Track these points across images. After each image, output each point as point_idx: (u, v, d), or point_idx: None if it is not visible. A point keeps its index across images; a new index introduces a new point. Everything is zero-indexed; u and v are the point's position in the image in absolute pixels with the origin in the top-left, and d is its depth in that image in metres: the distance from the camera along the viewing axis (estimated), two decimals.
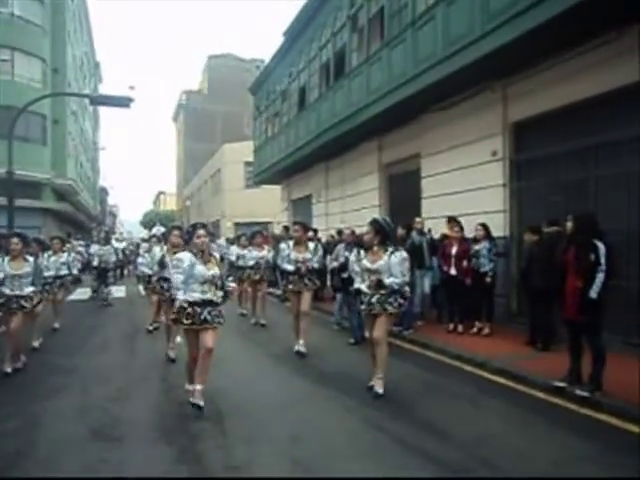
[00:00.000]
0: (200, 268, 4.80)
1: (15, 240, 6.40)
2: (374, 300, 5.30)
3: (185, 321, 4.78)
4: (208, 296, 4.82)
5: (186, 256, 4.82)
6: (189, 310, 4.77)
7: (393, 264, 5.20)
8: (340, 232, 11.03)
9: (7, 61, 23.47)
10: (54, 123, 26.53)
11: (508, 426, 4.46)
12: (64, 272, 9.40)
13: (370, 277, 5.31)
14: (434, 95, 9.54)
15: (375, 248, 5.33)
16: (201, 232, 4.85)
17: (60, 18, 27.73)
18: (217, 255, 5.16)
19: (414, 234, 8.70)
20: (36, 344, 7.69)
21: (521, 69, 8.12)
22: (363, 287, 5.38)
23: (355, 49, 12.33)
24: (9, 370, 6.15)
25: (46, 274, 8.06)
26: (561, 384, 5.10)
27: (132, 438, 4.25)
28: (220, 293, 4.92)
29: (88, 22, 41.70)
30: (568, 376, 5.15)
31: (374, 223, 5.42)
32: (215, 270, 4.90)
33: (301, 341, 7.20)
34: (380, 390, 5.24)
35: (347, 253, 8.15)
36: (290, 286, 7.30)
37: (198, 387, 4.78)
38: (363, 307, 5.42)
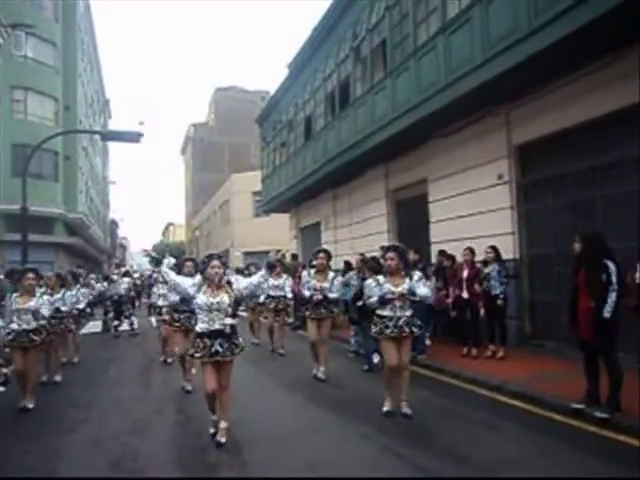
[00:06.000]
0: (203, 297, 4.80)
1: (31, 275, 6.49)
2: (402, 323, 5.38)
3: (196, 354, 4.79)
4: (216, 326, 4.75)
5: (189, 280, 5.01)
6: (199, 342, 4.79)
7: (414, 282, 5.44)
8: (348, 263, 11.03)
9: (21, 101, 24.18)
10: (65, 159, 27.01)
11: (526, 450, 4.41)
12: (80, 306, 9.43)
13: (394, 301, 5.39)
14: (438, 121, 9.71)
15: (396, 273, 5.48)
16: (215, 263, 4.88)
17: (71, 59, 28.59)
18: (232, 283, 5.08)
19: None
20: (58, 378, 7.79)
21: (523, 93, 8.27)
22: (388, 311, 5.42)
23: (359, 79, 12.59)
24: (31, 406, 6.15)
25: (63, 308, 8.16)
26: (579, 406, 5.06)
27: (151, 470, 4.26)
28: (229, 321, 4.79)
29: (98, 61, 42.89)
30: (586, 398, 5.11)
31: (397, 249, 5.60)
32: (222, 298, 4.80)
33: (322, 368, 7.27)
34: (410, 411, 5.34)
35: (356, 281, 8.27)
36: (308, 313, 7.41)
37: (222, 425, 4.78)
38: (389, 331, 5.39)
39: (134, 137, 14.39)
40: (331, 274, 7.55)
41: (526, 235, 8.75)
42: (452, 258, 8.79)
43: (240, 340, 4.97)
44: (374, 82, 11.60)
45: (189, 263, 6.93)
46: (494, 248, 7.96)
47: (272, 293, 9.91)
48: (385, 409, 5.50)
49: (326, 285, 7.33)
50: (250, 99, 57.30)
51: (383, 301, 5.40)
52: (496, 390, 6.20)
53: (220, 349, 4.74)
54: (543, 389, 5.85)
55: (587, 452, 4.28)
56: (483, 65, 7.77)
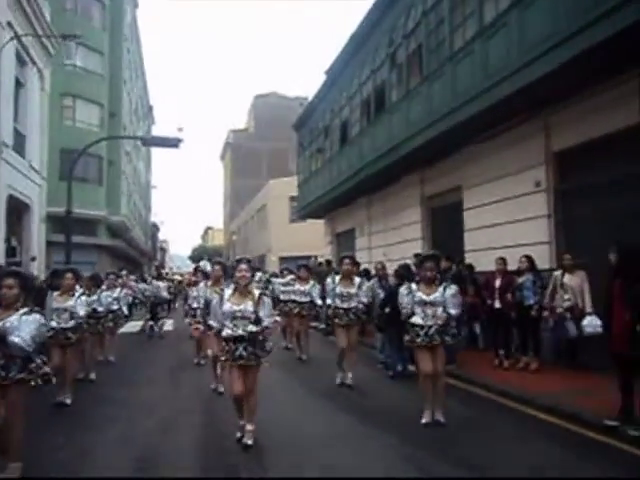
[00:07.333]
0: (228, 305, 4.83)
1: (69, 275, 6.74)
2: (432, 331, 5.34)
3: (222, 357, 4.91)
4: (239, 332, 4.76)
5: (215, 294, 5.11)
6: (225, 346, 4.85)
7: (448, 296, 5.41)
8: (367, 271, 11.15)
9: (69, 108, 25.25)
10: (109, 164, 27.92)
11: (553, 466, 4.26)
12: (115, 307, 9.72)
13: (424, 310, 5.37)
14: (474, 127, 9.54)
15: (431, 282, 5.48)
16: (243, 267, 4.91)
17: (117, 67, 29.58)
18: (256, 292, 4.99)
19: None
20: (93, 376, 8.01)
21: (561, 99, 8.05)
22: (419, 320, 5.40)
23: (395, 85, 12.54)
24: (69, 402, 6.39)
25: (99, 309, 8.42)
26: (612, 423, 4.86)
27: (173, 470, 4.33)
28: (252, 327, 4.74)
29: (142, 69, 44.28)
30: (620, 414, 4.90)
31: (434, 257, 5.63)
32: (246, 305, 4.80)
33: (349, 374, 7.23)
34: (443, 419, 5.31)
35: (380, 290, 8.33)
36: (337, 320, 7.33)
37: (248, 427, 4.81)
38: (419, 340, 5.37)
39: (174, 143, 14.86)
40: (357, 280, 7.47)
41: (563, 245, 8.48)
42: (470, 267, 9.44)
43: (269, 345, 4.98)
44: (410, 88, 11.53)
45: (217, 267, 7.03)
46: (528, 257, 7.77)
47: (297, 298, 9.90)
48: (424, 421, 5.34)
49: (353, 291, 7.24)
50: (289, 105, 57.71)
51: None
52: (528, 404, 6.01)
53: (244, 353, 4.76)
54: (576, 404, 5.63)
55: (619, 471, 4.11)
56: (521, 70, 7.60)
